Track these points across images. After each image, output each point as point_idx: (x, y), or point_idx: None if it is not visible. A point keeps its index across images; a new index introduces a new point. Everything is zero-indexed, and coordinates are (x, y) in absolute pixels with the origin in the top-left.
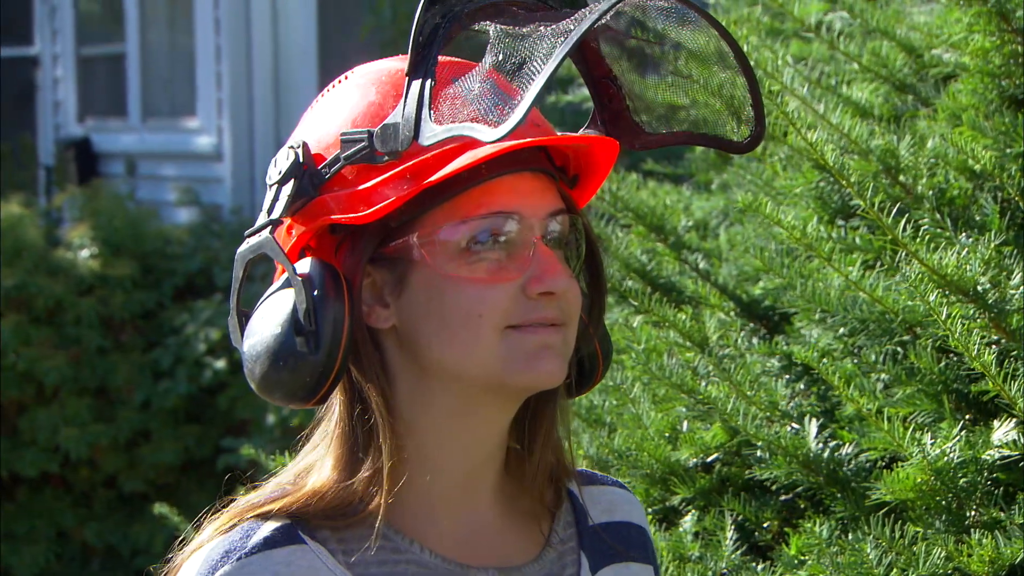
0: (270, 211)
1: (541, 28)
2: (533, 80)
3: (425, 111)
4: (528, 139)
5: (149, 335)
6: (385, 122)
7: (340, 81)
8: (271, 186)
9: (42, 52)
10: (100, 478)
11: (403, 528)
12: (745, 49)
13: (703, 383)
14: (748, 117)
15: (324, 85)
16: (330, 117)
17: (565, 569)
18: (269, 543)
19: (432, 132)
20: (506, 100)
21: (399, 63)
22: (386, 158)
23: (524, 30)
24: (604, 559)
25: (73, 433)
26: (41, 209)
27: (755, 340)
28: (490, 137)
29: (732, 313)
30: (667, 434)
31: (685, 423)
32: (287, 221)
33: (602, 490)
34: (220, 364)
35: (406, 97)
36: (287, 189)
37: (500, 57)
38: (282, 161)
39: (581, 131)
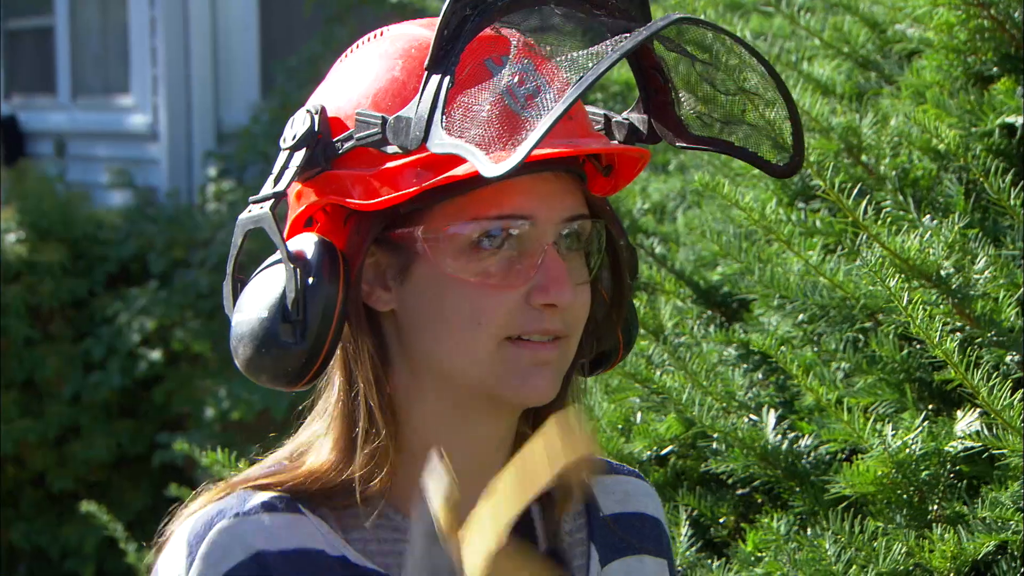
0: (278, 179)
1: (563, 54)
2: (540, 118)
3: (438, 114)
4: (547, 150)
5: (80, 325)
6: (399, 114)
7: (371, 38)
8: (284, 150)
9: None
10: (27, 476)
11: (403, 509)
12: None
13: (658, 373)
14: (786, 144)
15: (266, 61)
16: (352, 83)
17: (574, 560)
18: (268, 507)
19: (441, 141)
20: (512, 131)
21: (431, 33)
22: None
23: (546, 49)
24: (615, 551)
25: None
26: None
27: (712, 328)
28: (488, 172)
29: (688, 300)
30: (620, 426)
31: (639, 414)
32: (298, 186)
33: (616, 480)
34: (155, 355)
35: (422, 92)
36: (299, 157)
37: (516, 79)
38: (298, 124)
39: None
